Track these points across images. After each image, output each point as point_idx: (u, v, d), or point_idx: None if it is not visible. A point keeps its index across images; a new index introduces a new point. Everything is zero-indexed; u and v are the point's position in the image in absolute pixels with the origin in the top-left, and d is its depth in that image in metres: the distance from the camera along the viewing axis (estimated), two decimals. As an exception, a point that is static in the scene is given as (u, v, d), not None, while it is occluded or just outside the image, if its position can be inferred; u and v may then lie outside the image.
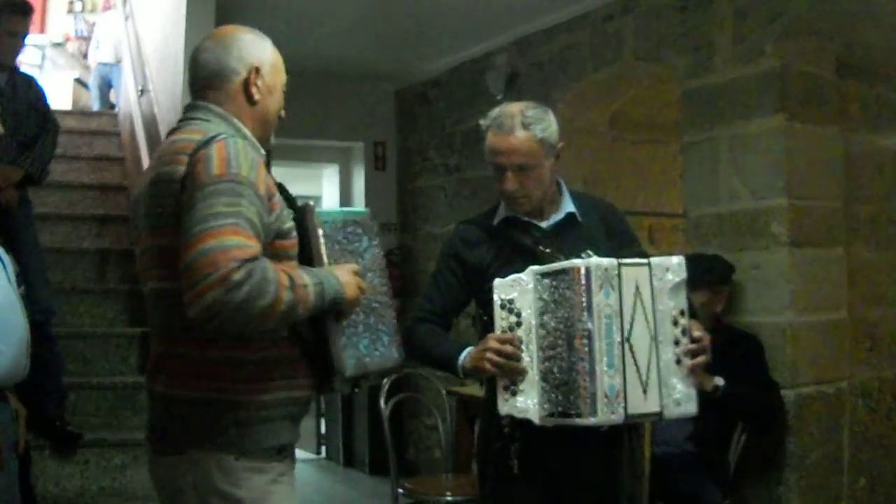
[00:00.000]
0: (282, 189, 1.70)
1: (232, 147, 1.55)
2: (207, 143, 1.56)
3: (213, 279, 1.41)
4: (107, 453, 3.56)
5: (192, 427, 1.60)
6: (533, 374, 1.95)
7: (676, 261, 1.99)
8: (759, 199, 3.45)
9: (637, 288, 1.93)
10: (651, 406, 1.91)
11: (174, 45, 4.25)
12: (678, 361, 1.95)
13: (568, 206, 2.22)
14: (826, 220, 3.48)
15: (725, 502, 3.19)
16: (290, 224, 1.64)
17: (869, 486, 3.61)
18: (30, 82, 3.80)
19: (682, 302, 1.97)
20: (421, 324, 2.24)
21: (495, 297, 2.02)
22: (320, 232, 1.67)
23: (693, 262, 3.37)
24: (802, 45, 3.47)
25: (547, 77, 4.68)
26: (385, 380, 3.73)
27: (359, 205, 6.13)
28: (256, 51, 1.73)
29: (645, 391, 1.90)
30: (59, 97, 7.94)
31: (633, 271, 1.94)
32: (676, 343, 1.95)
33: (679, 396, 1.94)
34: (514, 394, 1.98)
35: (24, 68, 3.92)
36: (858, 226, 3.70)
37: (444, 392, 4.11)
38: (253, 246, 1.46)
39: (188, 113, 1.72)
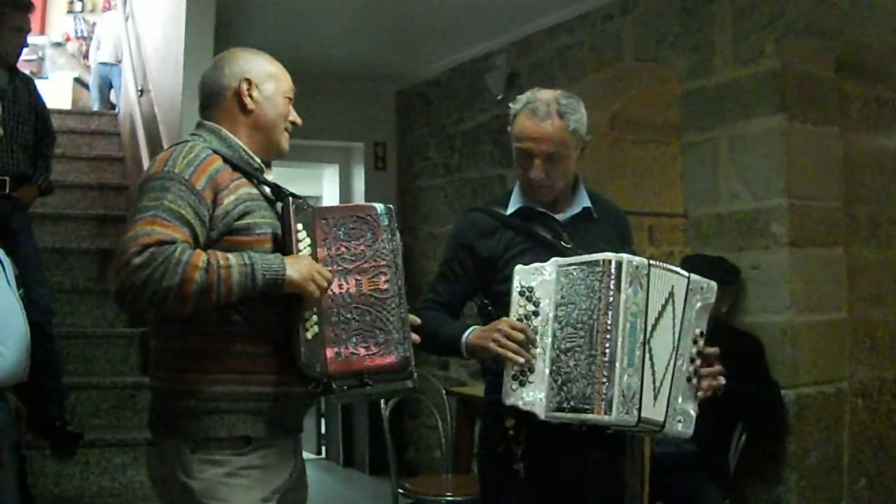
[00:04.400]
0: (276, 188, 1.78)
1: (177, 150, 1.70)
2: (161, 153, 1.74)
3: (120, 265, 1.56)
4: (107, 453, 3.55)
5: (159, 416, 1.73)
6: (544, 368, 1.90)
7: (713, 285, 2.00)
8: (759, 199, 3.45)
9: (672, 295, 1.91)
10: (657, 414, 1.87)
11: (174, 46, 4.25)
12: (689, 379, 1.94)
13: (584, 201, 2.18)
14: (826, 220, 3.48)
15: (725, 502, 3.19)
16: (249, 221, 1.68)
17: (869, 486, 3.61)
18: (28, 83, 3.80)
19: (703, 324, 1.98)
20: (426, 312, 2.18)
21: (515, 283, 1.97)
22: (299, 226, 1.69)
23: (697, 263, 3.42)
24: (802, 45, 3.47)
25: (547, 77, 4.67)
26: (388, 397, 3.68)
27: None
28: (247, 64, 1.82)
29: (656, 397, 1.87)
30: (59, 97, 7.95)
31: (668, 276, 1.92)
32: (692, 361, 1.95)
33: (682, 415, 1.92)
34: (522, 384, 1.92)
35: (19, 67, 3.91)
36: (858, 226, 3.70)
37: (444, 392, 4.11)
38: (165, 233, 1.57)
39: (193, 130, 1.85)
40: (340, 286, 1.67)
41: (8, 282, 2.23)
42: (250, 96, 1.79)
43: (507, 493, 2.07)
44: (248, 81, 1.79)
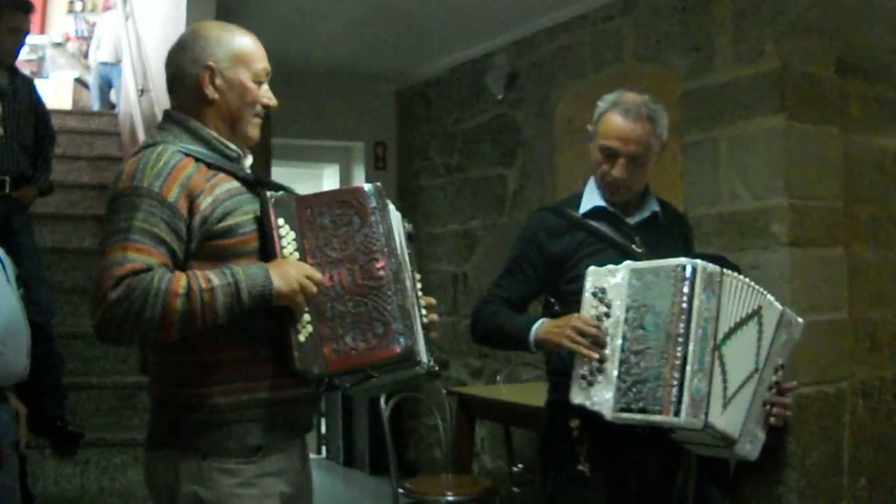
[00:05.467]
0: (262, 183, 1.69)
1: (144, 159, 1.57)
2: (130, 158, 1.61)
3: (97, 300, 1.48)
4: (107, 453, 3.56)
5: (163, 427, 1.64)
6: (612, 369, 1.92)
7: (801, 323, 2.04)
8: (759, 199, 3.45)
9: (759, 316, 1.95)
10: (726, 425, 1.89)
11: (174, 46, 4.25)
12: (764, 404, 1.98)
13: (653, 206, 2.22)
14: (826, 220, 3.47)
15: (725, 502, 3.18)
16: (230, 223, 1.58)
17: (869, 486, 3.61)
18: (29, 84, 3.81)
19: (786, 358, 2.02)
20: (489, 306, 2.21)
21: (588, 284, 1.99)
22: (281, 221, 1.59)
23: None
24: (802, 45, 3.47)
25: (547, 77, 4.68)
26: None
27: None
28: (211, 47, 1.69)
29: (725, 406, 1.89)
30: (59, 97, 7.95)
31: (752, 293, 1.96)
32: (769, 388, 1.98)
33: (751, 436, 1.95)
34: (590, 384, 1.94)
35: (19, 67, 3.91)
36: (858, 226, 3.69)
37: (444, 392, 4.11)
38: (139, 259, 1.49)
39: (160, 123, 1.74)
40: (332, 278, 1.57)
41: (8, 281, 2.23)
42: (213, 84, 1.66)
43: (570, 491, 2.10)
44: (211, 69, 1.66)
